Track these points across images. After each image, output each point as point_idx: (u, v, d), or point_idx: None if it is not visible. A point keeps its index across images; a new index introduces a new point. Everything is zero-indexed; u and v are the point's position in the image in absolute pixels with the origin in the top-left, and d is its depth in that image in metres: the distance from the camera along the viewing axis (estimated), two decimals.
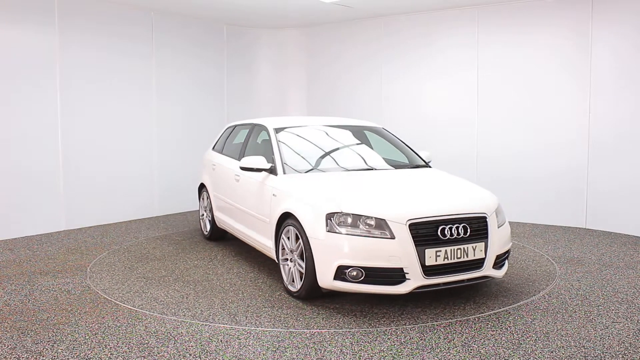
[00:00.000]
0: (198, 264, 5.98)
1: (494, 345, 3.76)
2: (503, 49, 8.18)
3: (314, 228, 4.42)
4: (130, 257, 6.24)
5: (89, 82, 7.86)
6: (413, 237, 4.23)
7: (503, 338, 3.89)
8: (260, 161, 5.39)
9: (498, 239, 4.59)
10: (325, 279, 4.36)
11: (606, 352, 3.64)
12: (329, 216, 4.36)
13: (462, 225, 4.38)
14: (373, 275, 4.24)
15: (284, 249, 4.92)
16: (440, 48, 8.71)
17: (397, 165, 5.76)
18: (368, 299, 4.65)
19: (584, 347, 3.74)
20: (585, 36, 7.52)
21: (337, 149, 5.86)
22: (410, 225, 4.24)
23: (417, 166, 5.81)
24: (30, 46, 7.25)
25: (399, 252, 4.19)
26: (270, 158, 5.51)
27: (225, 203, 6.45)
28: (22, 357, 3.60)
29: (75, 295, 4.86)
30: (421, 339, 3.87)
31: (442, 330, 4.04)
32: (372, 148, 6.02)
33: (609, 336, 3.91)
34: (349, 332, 4.00)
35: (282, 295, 4.87)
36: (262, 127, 6.13)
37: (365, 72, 9.45)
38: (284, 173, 5.26)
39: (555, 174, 7.86)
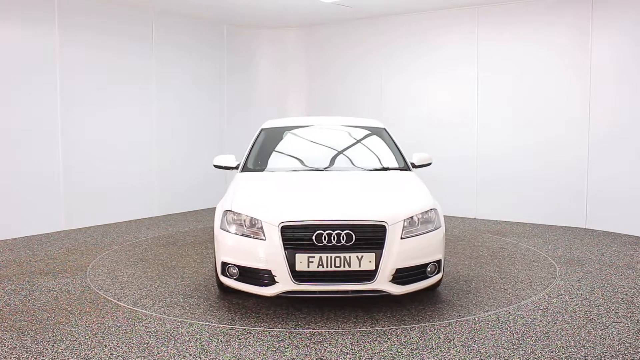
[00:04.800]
0: (202, 252, 6.08)
1: (494, 345, 3.75)
2: (503, 48, 8.18)
3: (217, 224, 4.57)
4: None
5: (89, 82, 7.86)
6: (284, 240, 4.11)
7: (503, 338, 3.89)
8: (228, 159, 5.63)
9: (401, 251, 4.15)
10: (219, 273, 4.52)
11: (606, 352, 3.64)
12: (224, 214, 4.50)
13: (346, 232, 4.09)
14: (247, 274, 4.28)
15: None
16: (440, 47, 8.71)
17: (358, 167, 5.42)
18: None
19: (584, 347, 3.74)
20: (585, 34, 7.52)
21: (311, 149, 5.81)
22: (282, 228, 4.13)
23: (387, 168, 5.39)
24: (30, 45, 7.25)
25: (267, 253, 4.14)
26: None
27: None
28: (22, 357, 3.60)
29: (75, 295, 4.86)
30: (421, 339, 3.87)
31: (442, 330, 4.04)
32: (359, 149, 5.79)
33: (609, 336, 3.91)
34: (349, 332, 4.00)
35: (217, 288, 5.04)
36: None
37: (365, 72, 9.45)
38: (242, 171, 5.43)
39: (555, 173, 7.86)
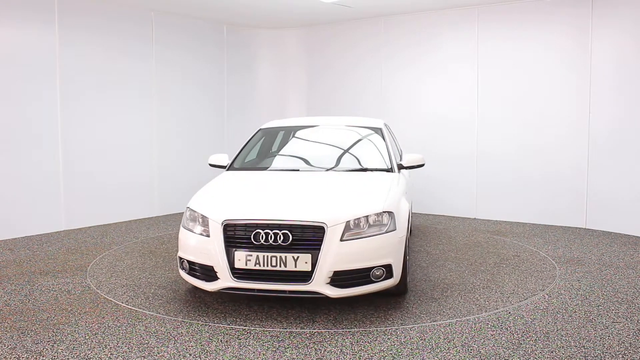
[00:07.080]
0: None
1: (494, 345, 3.75)
2: (503, 48, 8.18)
3: (182, 221, 4.75)
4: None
5: (88, 82, 7.86)
6: (226, 238, 4.23)
7: (503, 338, 3.89)
8: (221, 158, 5.79)
9: (340, 254, 4.09)
10: (178, 267, 4.71)
11: (606, 352, 3.64)
12: (185, 210, 4.70)
13: (283, 232, 4.12)
14: (195, 269, 4.44)
15: None
16: (440, 47, 8.71)
17: (335, 168, 5.38)
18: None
19: (584, 347, 3.74)
20: (585, 34, 7.52)
21: (298, 150, 5.86)
22: (225, 226, 4.25)
23: (365, 169, 5.29)
24: (30, 45, 7.25)
25: (209, 250, 4.27)
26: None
27: None
28: (22, 357, 3.60)
29: (75, 295, 4.86)
30: (421, 339, 3.87)
31: (442, 330, 4.04)
32: (344, 149, 5.74)
33: (609, 336, 3.91)
34: (349, 332, 4.00)
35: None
36: None
37: (366, 71, 9.45)
38: (228, 170, 5.59)
39: (555, 173, 7.86)
